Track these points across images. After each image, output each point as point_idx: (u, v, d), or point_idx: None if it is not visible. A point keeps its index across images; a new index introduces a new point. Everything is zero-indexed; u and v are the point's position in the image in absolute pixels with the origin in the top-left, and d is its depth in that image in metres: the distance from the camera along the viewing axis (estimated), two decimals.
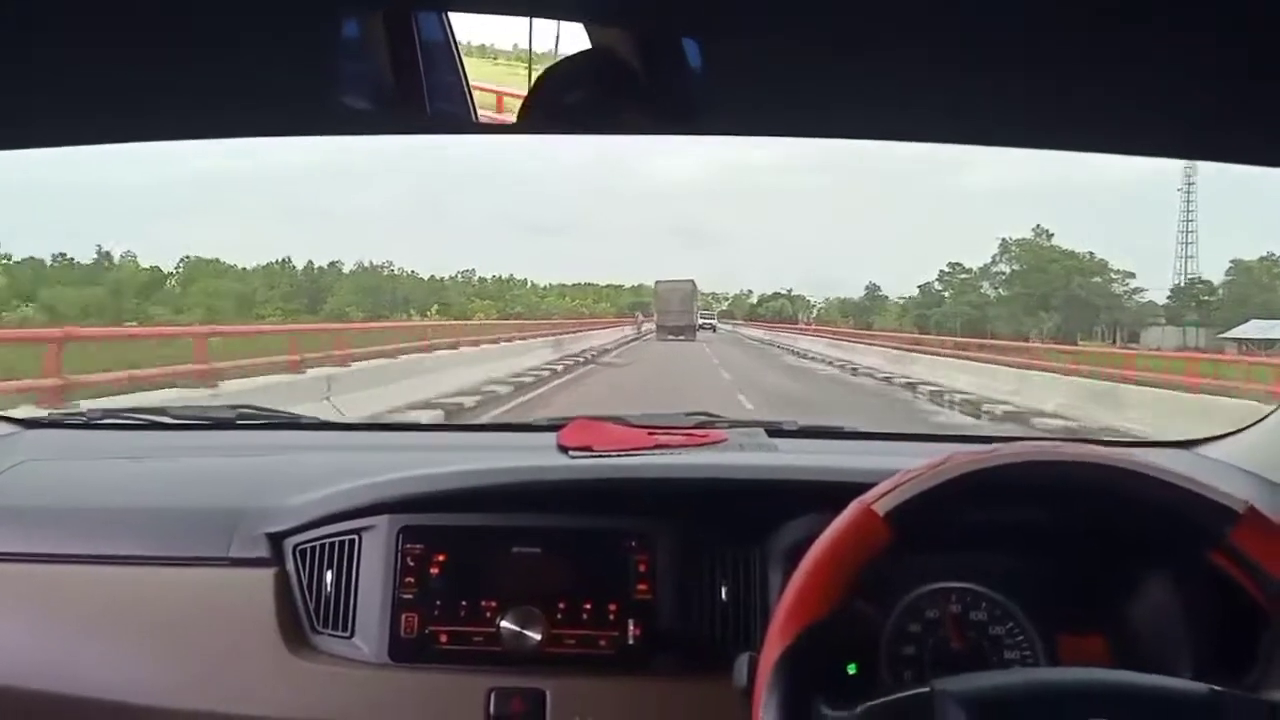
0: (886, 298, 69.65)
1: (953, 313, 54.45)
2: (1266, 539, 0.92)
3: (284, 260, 64.85)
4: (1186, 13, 0.82)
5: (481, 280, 69.60)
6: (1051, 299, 53.60)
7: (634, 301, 68.18)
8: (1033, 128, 1.11)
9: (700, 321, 47.72)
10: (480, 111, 0.98)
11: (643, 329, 41.73)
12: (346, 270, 65.20)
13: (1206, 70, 0.92)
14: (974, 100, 1.03)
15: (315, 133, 1.14)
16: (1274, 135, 1.06)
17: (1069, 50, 0.90)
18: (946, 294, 58.60)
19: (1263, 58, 0.88)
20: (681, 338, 40.70)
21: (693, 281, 47.53)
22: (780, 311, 74.14)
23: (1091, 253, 56.46)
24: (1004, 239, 57.71)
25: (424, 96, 0.98)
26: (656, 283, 47.09)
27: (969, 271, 58.40)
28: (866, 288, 72.69)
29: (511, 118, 0.97)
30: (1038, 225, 54.05)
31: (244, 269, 62.06)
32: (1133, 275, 56.08)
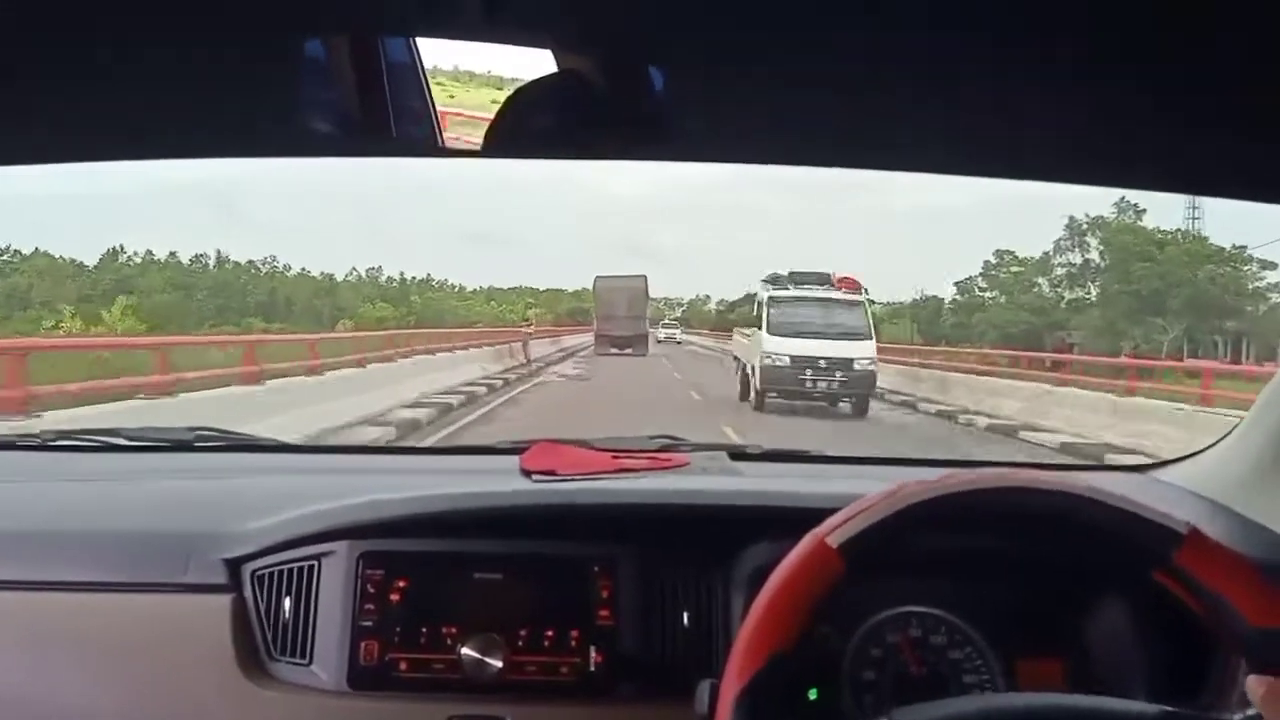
0: (873, 302, 63.40)
1: (1005, 319, 38.63)
2: (1209, 560, 0.94)
3: (116, 249, 48.87)
4: (1146, 42, 0.83)
5: (392, 280, 59.15)
6: (1169, 299, 34.40)
7: (575, 307, 58.60)
8: (1001, 157, 1.13)
9: (662, 332, 40.24)
10: (445, 136, 0.98)
11: (533, 355, 23.83)
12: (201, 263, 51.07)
13: (1180, 109, 0.94)
14: (943, 130, 1.04)
15: (279, 154, 1.14)
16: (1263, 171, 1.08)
17: (1039, 83, 0.92)
18: (990, 295, 42.22)
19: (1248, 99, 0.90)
20: (629, 351, 31.70)
21: (644, 278, 36.48)
22: (751, 318, 66.55)
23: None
24: (1071, 218, 39.55)
25: (389, 120, 0.98)
26: (596, 280, 36.53)
27: (1022, 263, 41.55)
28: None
29: (476, 142, 0.97)
30: (1121, 198, 35.07)
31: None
32: (1274, 266, 35.71)
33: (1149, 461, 1.86)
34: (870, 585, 1.30)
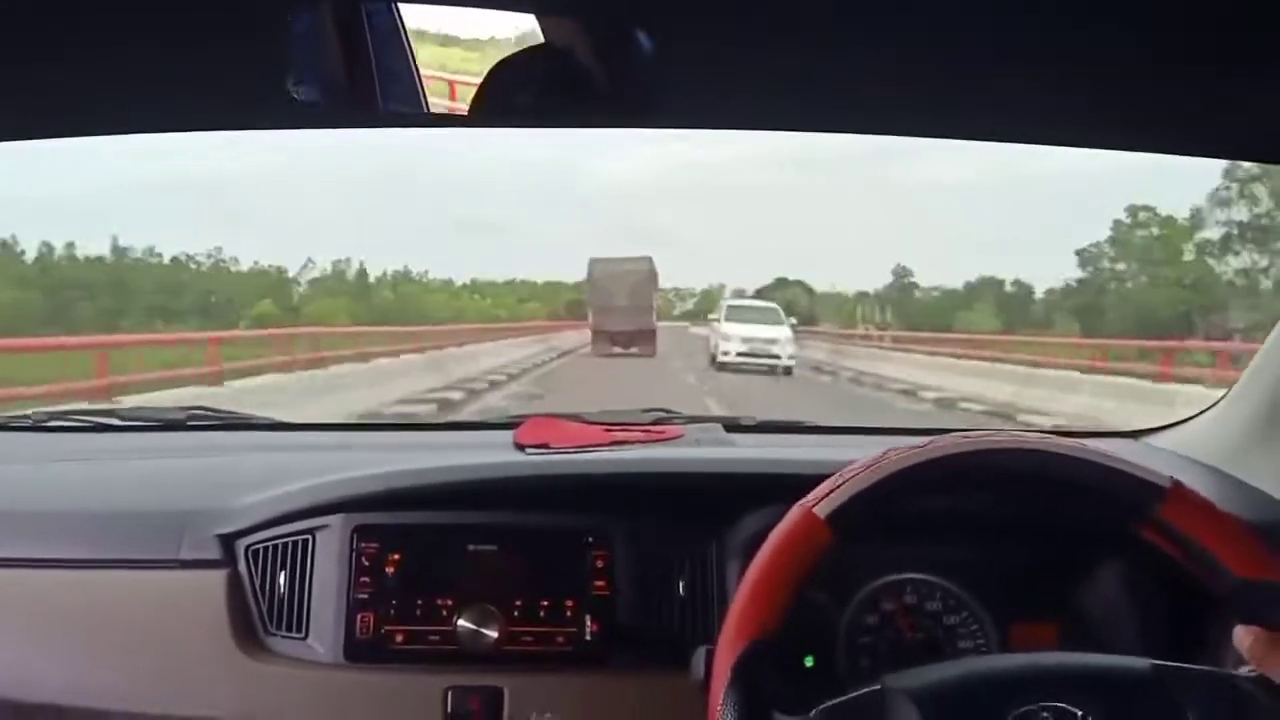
0: (917, 285, 48.72)
1: (1150, 299, 27.64)
2: (1192, 513, 0.95)
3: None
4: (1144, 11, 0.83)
5: (363, 274, 49.28)
6: None
7: (574, 299, 47.75)
8: (998, 120, 1.12)
9: (762, 341, 20.50)
10: (433, 103, 0.97)
11: (482, 367, 17.10)
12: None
13: (1178, 65, 0.93)
14: (940, 92, 1.04)
15: (262, 127, 1.13)
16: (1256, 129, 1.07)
17: (1037, 41, 0.91)
18: (1122, 266, 30.62)
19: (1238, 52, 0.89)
20: (633, 351, 25.50)
21: (649, 260, 29.26)
22: (790, 307, 49.23)
23: None
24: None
25: (376, 90, 0.98)
26: (592, 263, 29.02)
27: (1165, 224, 29.20)
28: (894, 273, 49.42)
29: (464, 110, 0.96)
30: None
31: None
32: None
33: (1142, 428, 1.86)
34: (864, 553, 1.30)
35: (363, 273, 50.20)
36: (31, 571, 1.35)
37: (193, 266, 43.33)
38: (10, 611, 1.34)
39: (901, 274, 49.82)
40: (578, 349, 27.76)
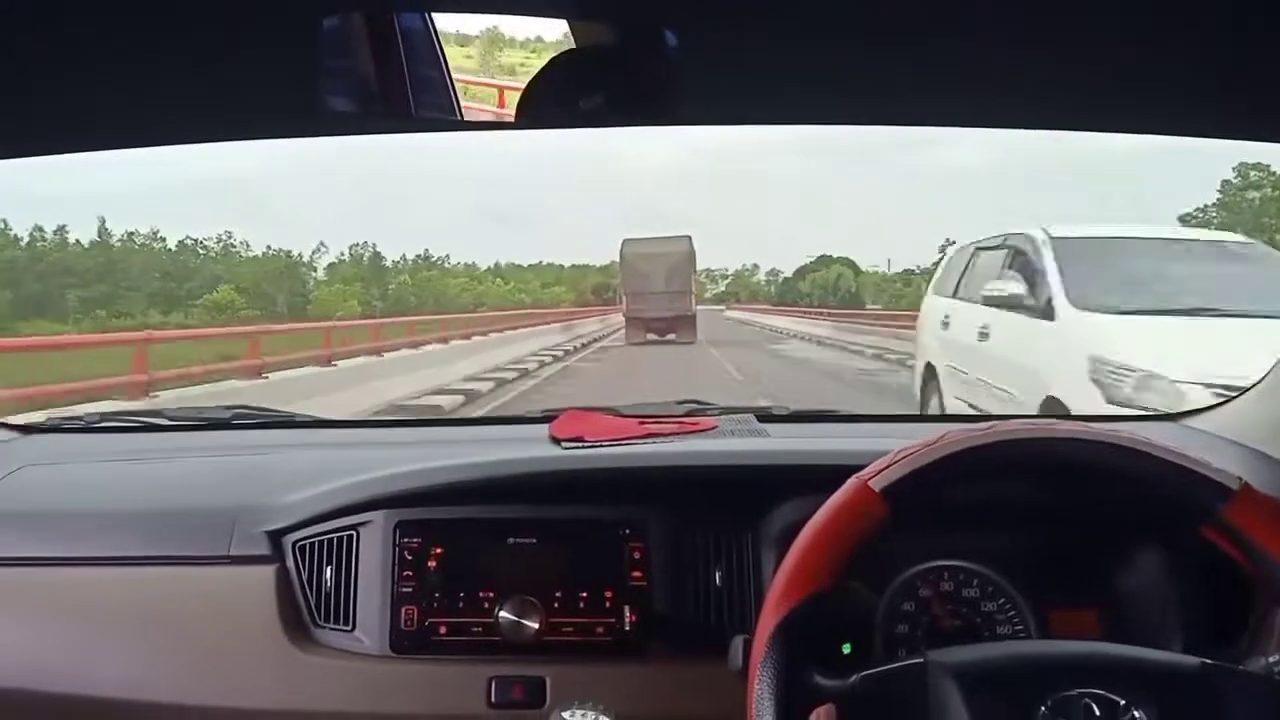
0: None
1: None
2: (1259, 514, 0.93)
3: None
4: None
5: (378, 257, 48.24)
6: None
7: (600, 283, 47.43)
8: (1017, 108, 1.12)
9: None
10: (465, 109, 0.98)
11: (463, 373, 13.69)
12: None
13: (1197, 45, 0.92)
14: (962, 83, 1.03)
15: (298, 134, 1.15)
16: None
17: (1054, 28, 0.90)
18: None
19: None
20: (670, 338, 23.74)
21: (688, 240, 27.17)
22: (831, 288, 47.03)
23: None
24: None
25: (408, 95, 0.99)
26: (624, 244, 26.90)
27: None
28: (941, 249, 38.94)
29: (495, 115, 0.97)
30: None
31: None
32: None
33: (1180, 410, 1.84)
34: (902, 540, 1.30)
35: (377, 256, 48.63)
36: (87, 569, 1.39)
37: (201, 251, 43.35)
38: (67, 608, 1.38)
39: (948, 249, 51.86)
40: (607, 337, 26.25)
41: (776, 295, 52.48)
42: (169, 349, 10.53)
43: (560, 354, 19.36)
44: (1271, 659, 0.95)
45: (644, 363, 18.17)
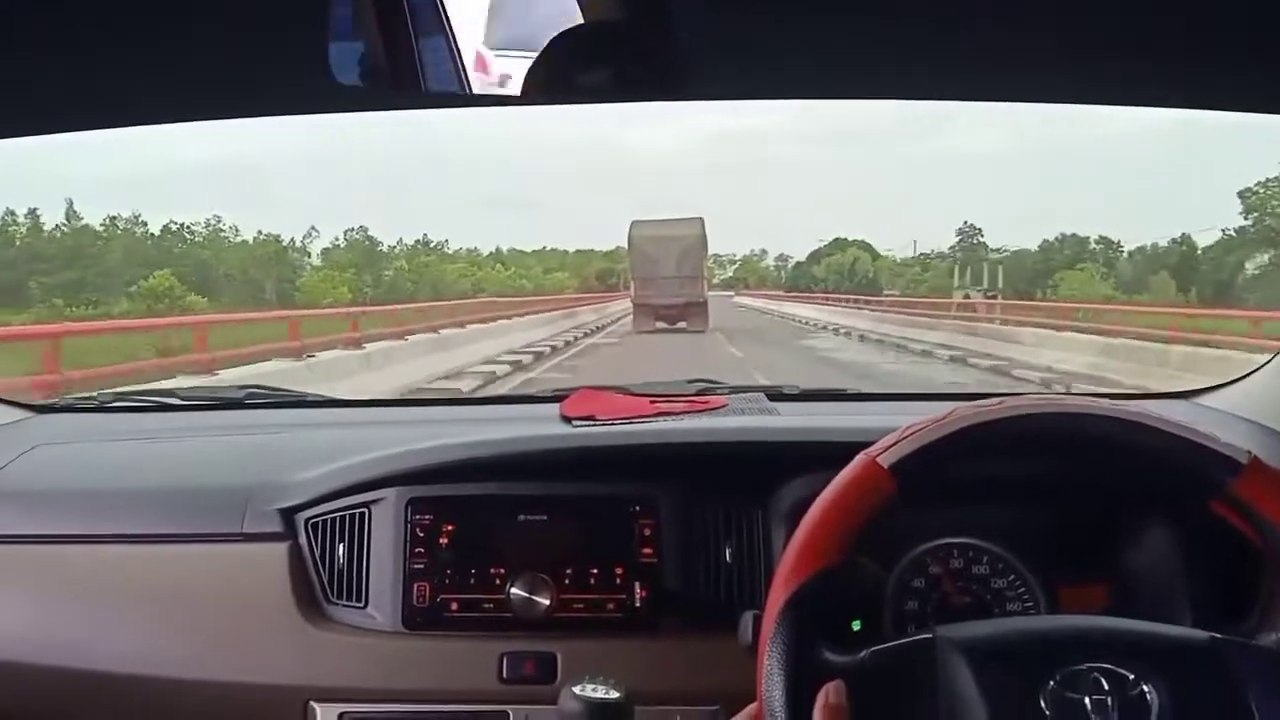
0: (985, 245, 42.31)
1: None
2: (1268, 488, 0.93)
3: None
4: None
5: (370, 242, 45.47)
6: None
7: (605, 269, 45.85)
8: (1034, 82, 1.10)
9: None
10: (473, 85, 0.98)
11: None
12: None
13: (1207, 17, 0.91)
14: (977, 56, 1.02)
15: (303, 111, 1.15)
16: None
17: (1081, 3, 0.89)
18: None
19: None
20: (681, 326, 22.63)
21: (700, 222, 25.42)
22: (847, 272, 44.44)
23: None
24: None
25: (418, 70, 0.99)
26: (633, 227, 25.41)
27: None
28: (960, 233, 43.12)
29: (506, 89, 0.97)
30: None
31: None
32: None
33: (1193, 387, 1.84)
34: (912, 516, 1.30)
35: (369, 240, 45.36)
36: (102, 547, 1.41)
37: (187, 237, 40.27)
38: (82, 585, 1.39)
39: (969, 233, 44.72)
40: (610, 327, 24.88)
41: (789, 280, 50.09)
42: (110, 341, 9.75)
43: (535, 355, 16.86)
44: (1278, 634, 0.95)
45: (639, 368, 13.89)
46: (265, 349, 10.59)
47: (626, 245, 26.44)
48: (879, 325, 21.16)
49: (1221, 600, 1.25)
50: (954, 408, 0.99)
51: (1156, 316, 16.47)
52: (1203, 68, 1.02)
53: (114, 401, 1.89)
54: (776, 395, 1.83)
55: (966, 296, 27.99)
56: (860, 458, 0.99)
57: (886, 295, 34.04)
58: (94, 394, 1.94)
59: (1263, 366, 1.66)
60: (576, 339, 21.05)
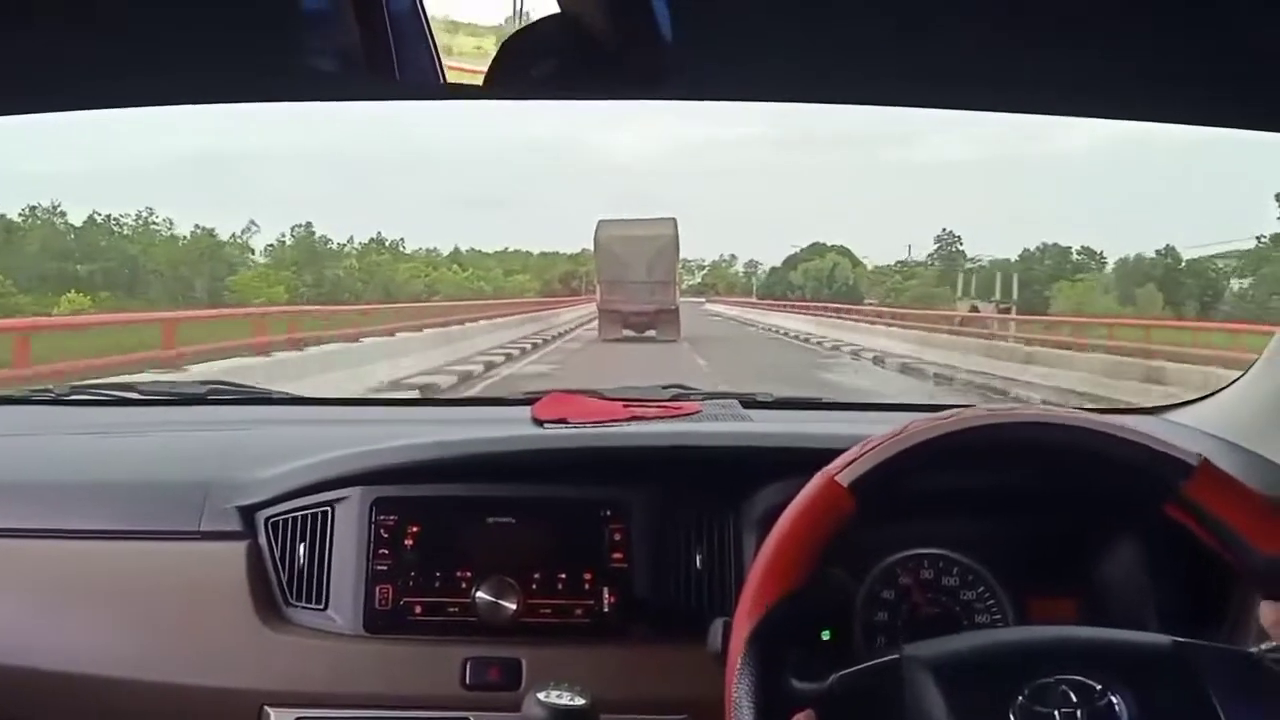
0: (964, 254, 39.97)
1: None
2: (1220, 490, 0.94)
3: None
4: None
5: (312, 238, 41.51)
6: None
7: (569, 271, 43.63)
8: (1020, 91, 1.10)
9: None
10: (448, 76, 0.96)
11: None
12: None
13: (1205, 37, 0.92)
14: (960, 62, 1.02)
15: (276, 99, 1.13)
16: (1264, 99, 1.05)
17: (1058, 9, 0.89)
18: None
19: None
20: (650, 335, 21.27)
21: (673, 223, 23.74)
22: (826, 279, 41.26)
23: None
24: None
25: (391, 61, 0.97)
26: (599, 227, 23.48)
27: None
28: (939, 240, 41.04)
29: (479, 81, 0.95)
30: None
31: None
32: None
33: (1162, 404, 1.85)
34: (881, 528, 1.30)
35: (311, 237, 41.50)
36: (53, 542, 1.37)
37: (115, 229, 36.44)
38: (33, 581, 1.35)
39: (948, 240, 41.83)
40: (570, 334, 22.78)
41: (763, 288, 47.42)
42: None
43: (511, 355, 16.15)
44: (1252, 649, 0.95)
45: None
46: (137, 358, 9.12)
47: (593, 246, 24.24)
48: (919, 349, 17.08)
49: (1190, 614, 1.26)
50: (910, 421, 0.99)
51: (1178, 333, 14.85)
52: (1187, 85, 1.02)
53: (71, 394, 1.85)
54: (750, 402, 1.82)
55: (973, 309, 25.32)
56: (818, 477, 0.99)
57: (868, 305, 32.03)
58: (50, 386, 1.89)
59: (1232, 383, 1.67)
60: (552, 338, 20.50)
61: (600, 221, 23.83)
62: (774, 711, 0.90)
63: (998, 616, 1.33)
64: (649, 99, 1.11)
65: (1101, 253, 37.43)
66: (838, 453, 1.00)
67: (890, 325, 21.97)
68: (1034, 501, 1.29)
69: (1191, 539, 0.98)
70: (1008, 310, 24.77)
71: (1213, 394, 1.74)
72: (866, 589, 1.34)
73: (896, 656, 0.93)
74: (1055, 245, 37.32)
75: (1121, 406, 2.05)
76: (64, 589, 1.35)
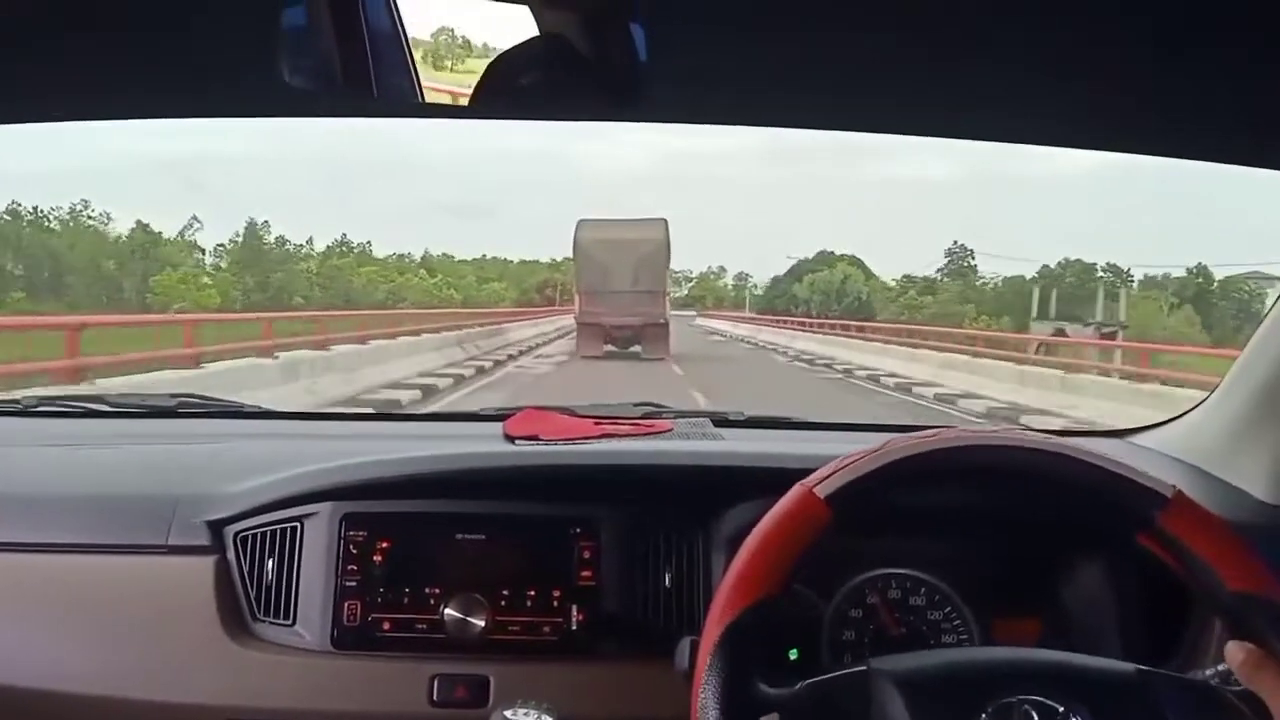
0: (975, 268, 38.41)
1: None
2: (1193, 523, 0.95)
3: None
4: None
5: (280, 241, 39.82)
6: None
7: (546, 279, 40.81)
8: (995, 121, 1.12)
9: None
10: (426, 92, 0.97)
11: None
12: None
13: (1195, 69, 0.94)
14: (937, 92, 1.04)
15: (256, 114, 1.13)
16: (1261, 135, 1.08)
17: (1032, 39, 0.91)
18: None
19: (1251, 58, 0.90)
20: (635, 351, 19.07)
21: (663, 225, 21.07)
22: (835, 293, 37.28)
23: None
24: None
25: (371, 78, 0.97)
26: (580, 227, 20.78)
27: None
28: (949, 253, 39.29)
29: (459, 101, 0.96)
30: None
31: None
32: None
33: (1126, 427, 1.88)
34: (850, 547, 1.31)
35: (255, 235, 38.54)
36: (19, 555, 1.35)
37: (44, 223, 33.90)
38: None
39: (959, 254, 39.36)
40: (535, 352, 19.56)
41: (763, 301, 42.13)
42: None
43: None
44: (1208, 672, 0.97)
45: None
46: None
47: (573, 247, 21.08)
48: (989, 382, 14.07)
49: (1151, 639, 1.28)
50: (890, 439, 1.00)
51: None
52: (1172, 116, 1.05)
53: (39, 406, 1.83)
54: (722, 421, 1.83)
55: (1059, 333, 20.57)
56: (796, 488, 0.99)
57: (884, 323, 26.88)
58: (18, 399, 1.87)
59: (1195, 408, 1.70)
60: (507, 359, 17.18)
61: (581, 221, 20.85)
62: (740, 714, 0.90)
63: (964, 636, 1.34)
64: (626, 120, 1.12)
65: (1128, 270, 35.47)
66: (806, 473, 1.01)
67: (948, 352, 17.41)
68: (1005, 524, 1.31)
69: (1155, 567, 0.99)
70: (1112, 335, 19.64)
71: (1177, 417, 1.77)
72: (834, 608, 1.35)
73: (864, 669, 0.94)
74: (1079, 261, 34.64)
75: (1088, 429, 2.07)
76: (27, 602, 1.33)
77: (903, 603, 1.36)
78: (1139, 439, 1.79)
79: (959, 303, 34.21)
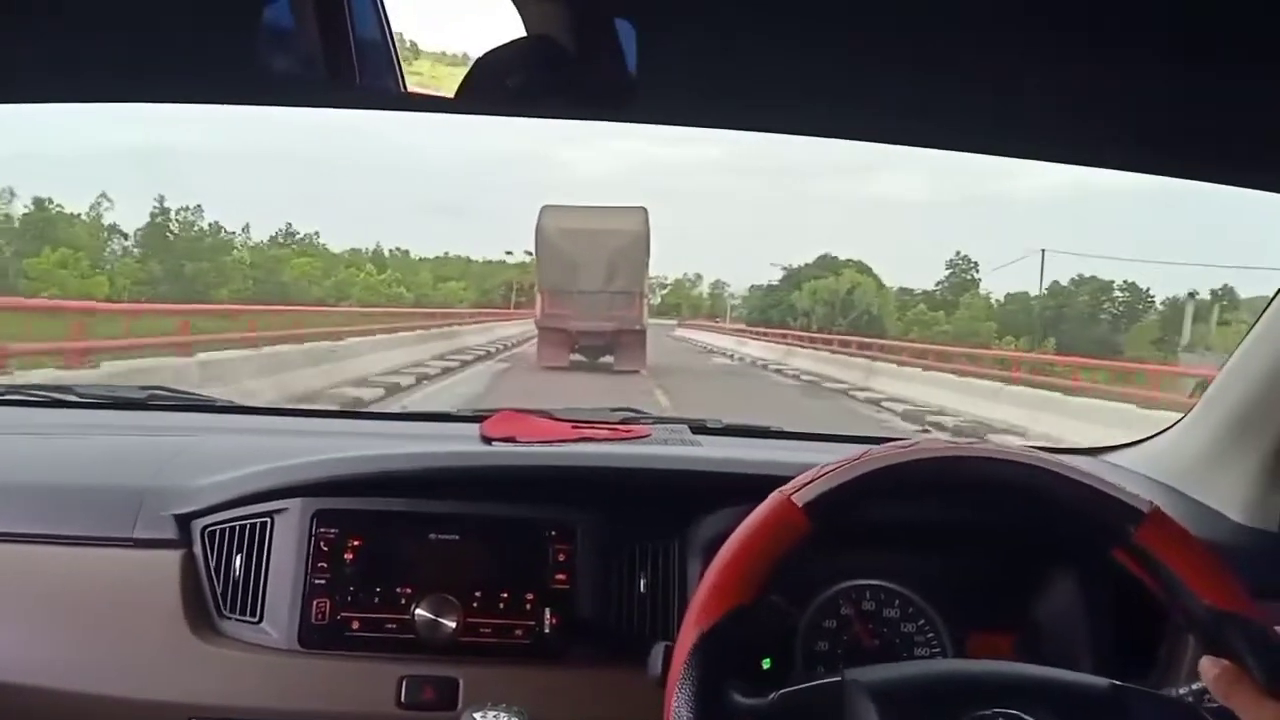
0: (977, 282, 35.68)
1: None
2: (1169, 539, 0.95)
3: None
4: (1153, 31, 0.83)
5: (214, 227, 37.05)
6: None
7: (506, 280, 38.39)
8: (984, 132, 1.12)
9: None
10: (410, 87, 0.96)
11: None
12: None
13: (1180, 89, 0.94)
14: (929, 102, 1.03)
15: (238, 101, 1.11)
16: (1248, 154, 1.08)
17: (1027, 51, 0.91)
18: None
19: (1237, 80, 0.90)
20: (606, 362, 16.75)
21: (642, 214, 18.21)
22: (841, 304, 32.55)
23: None
24: None
25: (354, 69, 0.96)
26: (544, 211, 17.69)
27: None
28: (950, 265, 37.54)
29: (443, 94, 0.95)
30: None
31: None
32: None
33: (1101, 445, 1.89)
34: (825, 558, 1.31)
35: (165, 214, 35.45)
36: None
37: None
38: None
39: (962, 267, 36.98)
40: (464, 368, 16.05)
41: (756, 312, 38.48)
42: None
43: None
44: (1182, 690, 0.97)
45: None
46: None
47: (536, 236, 17.75)
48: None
49: (1124, 655, 1.28)
50: (870, 448, 1.00)
51: None
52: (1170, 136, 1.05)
53: (6, 395, 1.80)
54: (700, 428, 1.82)
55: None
56: (774, 496, 0.99)
57: (906, 341, 23.53)
58: None
59: (1171, 427, 1.71)
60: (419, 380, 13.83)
61: (545, 207, 17.67)
62: None
63: (937, 649, 1.34)
64: (611, 120, 1.11)
65: (1149, 290, 33.38)
66: (783, 480, 1.00)
67: (987, 379, 14.60)
68: (981, 537, 1.31)
69: (1129, 583, 0.99)
70: None
71: (1152, 437, 1.78)
72: (808, 618, 1.35)
73: (839, 679, 0.93)
74: (1093, 278, 31.98)
75: (1063, 447, 2.08)
76: None
77: (877, 614, 1.35)
78: (1113, 457, 1.80)
79: (982, 319, 31.21)
